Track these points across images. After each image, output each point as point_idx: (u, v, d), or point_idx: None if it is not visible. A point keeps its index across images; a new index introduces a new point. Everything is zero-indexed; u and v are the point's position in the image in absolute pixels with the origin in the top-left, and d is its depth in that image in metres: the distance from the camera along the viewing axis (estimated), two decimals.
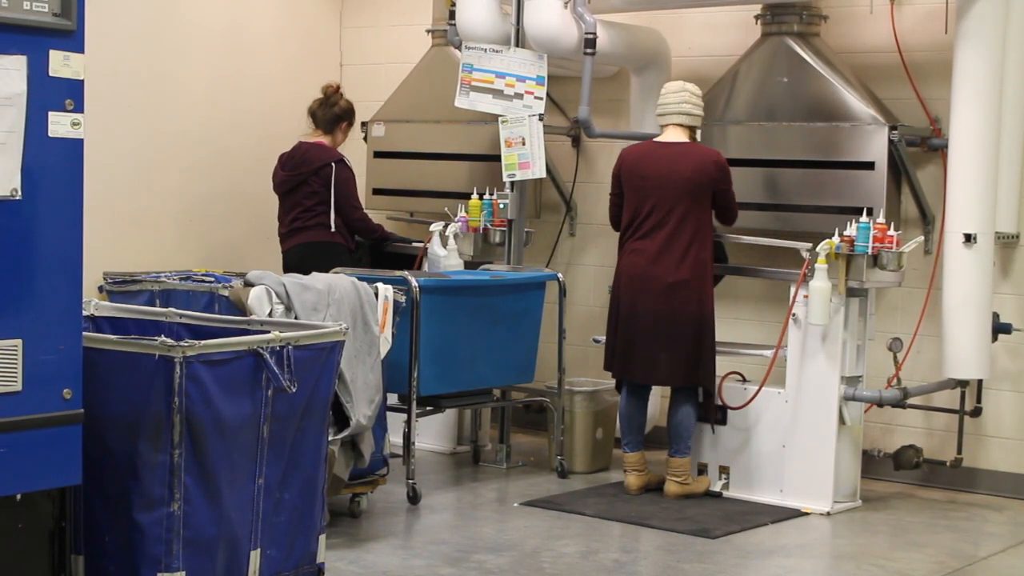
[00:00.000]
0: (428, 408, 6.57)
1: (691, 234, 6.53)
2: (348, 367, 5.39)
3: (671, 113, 6.65)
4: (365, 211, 7.59)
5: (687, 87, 6.68)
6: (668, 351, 6.54)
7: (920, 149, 6.99)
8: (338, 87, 7.54)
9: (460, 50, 7.39)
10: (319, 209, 7.35)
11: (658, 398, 7.40)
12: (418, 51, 8.28)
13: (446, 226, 7.30)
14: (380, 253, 7.72)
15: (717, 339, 6.66)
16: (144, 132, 7.72)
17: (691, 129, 6.68)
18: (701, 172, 6.52)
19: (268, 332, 4.49)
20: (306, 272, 5.98)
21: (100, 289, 6.68)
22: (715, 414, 6.65)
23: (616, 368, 6.73)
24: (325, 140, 7.44)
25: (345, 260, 7.22)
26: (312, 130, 7.47)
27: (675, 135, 6.66)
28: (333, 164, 7.34)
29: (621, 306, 6.67)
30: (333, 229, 7.33)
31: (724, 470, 6.75)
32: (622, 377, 6.74)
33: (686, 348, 6.54)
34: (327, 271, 6.13)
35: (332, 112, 7.45)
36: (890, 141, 6.76)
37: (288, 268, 7.15)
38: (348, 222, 7.43)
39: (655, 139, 6.75)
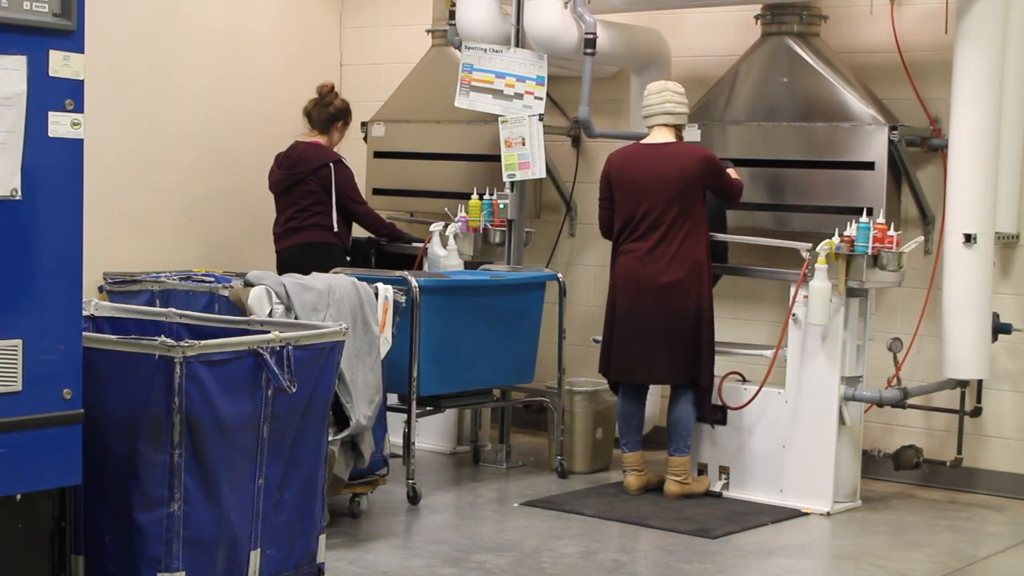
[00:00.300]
0: (428, 408, 6.56)
1: (685, 234, 6.52)
2: (348, 367, 5.39)
3: (655, 114, 6.65)
4: (370, 206, 7.59)
5: (668, 86, 6.68)
6: (666, 350, 6.54)
7: (920, 149, 6.99)
8: (332, 86, 7.51)
9: (460, 50, 7.39)
10: (315, 209, 7.33)
11: (657, 398, 7.40)
12: (418, 51, 8.27)
13: (446, 226, 7.30)
14: (381, 252, 7.71)
15: (717, 339, 6.66)
16: (144, 132, 7.72)
17: (677, 128, 6.68)
18: (689, 171, 6.52)
19: (268, 332, 4.49)
20: (301, 272, 5.97)
21: (100, 289, 6.67)
22: (713, 413, 6.65)
23: (614, 370, 6.71)
24: (321, 140, 7.42)
25: (341, 261, 7.20)
26: (308, 130, 7.45)
27: (662, 135, 6.66)
28: (331, 164, 7.32)
29: (617, 308, 6.67)
30: (336, 229, 7.32)
31: (724, 470, 6.74)
32: (621, 378, 6.74)
33: (684, 346, 6.53)
34: (322, 272, 6.11)
35: (327, 112, 7.41)
36: (890, 141, 6.75)
37: (283, 268, 7.12)
38: (355, 219, 7.42)
39: (642, 141, 6.75)
